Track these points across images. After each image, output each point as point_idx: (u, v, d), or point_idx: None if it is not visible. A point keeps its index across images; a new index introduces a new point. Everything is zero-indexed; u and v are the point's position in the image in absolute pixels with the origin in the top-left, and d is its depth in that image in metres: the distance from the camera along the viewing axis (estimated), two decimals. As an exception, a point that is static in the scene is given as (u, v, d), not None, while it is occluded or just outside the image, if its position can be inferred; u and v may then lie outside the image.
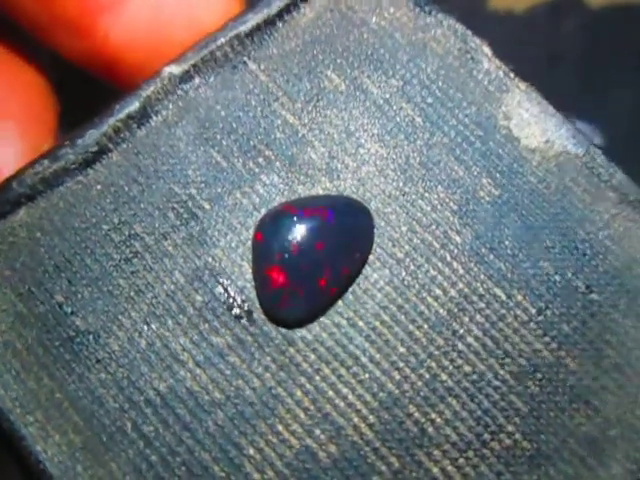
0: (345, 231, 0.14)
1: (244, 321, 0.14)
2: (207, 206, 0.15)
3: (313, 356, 0.14)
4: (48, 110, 0.18)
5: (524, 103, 0.16)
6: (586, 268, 0.14)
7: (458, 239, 0.15)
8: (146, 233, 0.15)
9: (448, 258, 0.15)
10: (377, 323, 0.14)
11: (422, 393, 0.14)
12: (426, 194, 0.15)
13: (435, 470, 0.13)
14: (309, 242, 0.14)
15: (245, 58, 0.16)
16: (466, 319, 0.14)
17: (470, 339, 0.14)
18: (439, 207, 0.15)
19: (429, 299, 0.14)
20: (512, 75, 0.16)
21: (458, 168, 0.15)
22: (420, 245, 0.15)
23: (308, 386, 0.14)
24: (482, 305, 0.14)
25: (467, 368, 0.14)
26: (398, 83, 0.16)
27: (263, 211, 0.15)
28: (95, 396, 0.13)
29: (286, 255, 0.14)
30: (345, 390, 0.14)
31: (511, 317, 0.14)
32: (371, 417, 0.13)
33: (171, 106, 0.15)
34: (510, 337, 0.14)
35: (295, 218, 0.14)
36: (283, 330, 0.14)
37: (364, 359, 0.14)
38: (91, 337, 0.14)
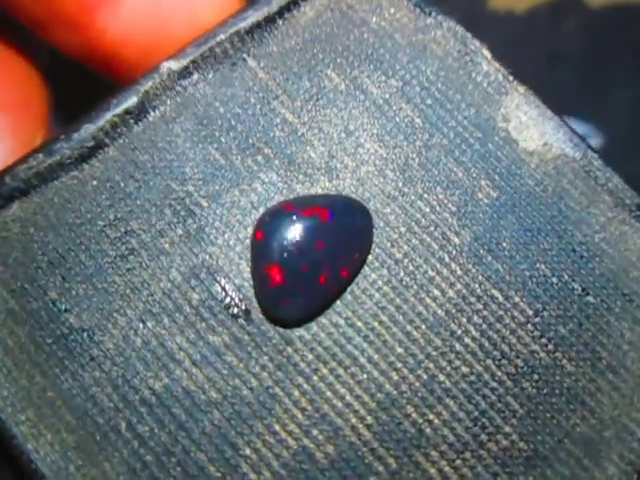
0: (344, 231, 0.14)
1: (241, 320, 0.14)
2: (205, 203, 0.15)
3: (311, 356, 0.14)
4: (40, 104, 0.18)
5: (523, 106, 0.16)
6: (582, 270, 0.15)
7: (456, 240, 0.15)
8: (142, 230, 0.14)
9: (446, 259, 0.15)
10: (375, 323, 0.14)
11: (420, 394, 0.14)
12: (425, 195, 0.15)
13: (432, 471, 0.13)
14: (308, 241, 0.14)
15: (245, 55, 0.16)
16: (464, 320, 0.14)
17: (468, 340, 0.14)
18: (438, 208, 0.15)
19: (427, 300, 0.14)
20: (511, 78, 0.16)
21: (457, 169, 0.15)
22: (419, 246, 0.15)
23: (306, 386, 0.14)
24: (480, 306, 0.14)
25: (465, 369, 0.14)
26: (398, 84, 0.16)
27: (261, 209, 0.15)
28: (89, 395, 0.13)
29: (285, 254, 0.14)
30: (343, 390, 0.14)
31: (508, 318, 0.14)
32: (369, 417, 0.13)
33: (169, 102, 0.15)
34: (507, 338, 0.14)
35: (295, 217, 0.14)
36: (281, 329, 0.14)
37: (362, 359, 0.14)
38: (85, 335, 0.14)
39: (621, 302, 0.14)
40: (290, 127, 0.15)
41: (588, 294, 0.14)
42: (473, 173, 0.15)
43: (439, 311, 0.14)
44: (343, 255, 0.14)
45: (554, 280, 0.14)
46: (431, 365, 0.14)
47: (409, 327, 0.14)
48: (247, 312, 0.14)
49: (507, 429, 0.13)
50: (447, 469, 0.13)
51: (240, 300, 0.14)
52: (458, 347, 0.14)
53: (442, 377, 0.14)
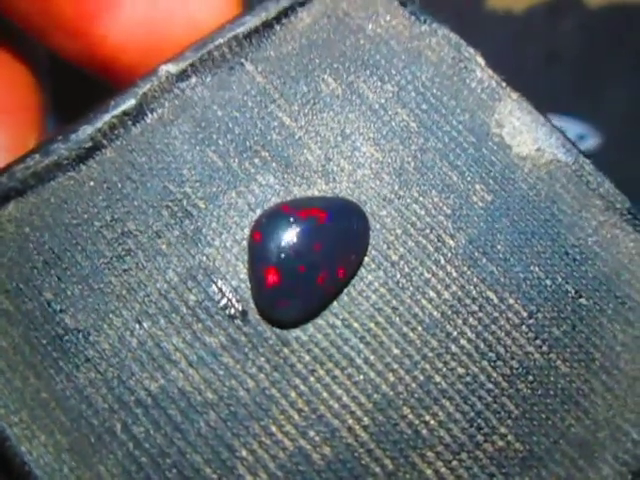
0: (341, 232, 0.14)
1: (238, 321, 0.14)
2: (202, 205, 0.15)
3: (307, 357, 0.14)
4: (34, 106, 0.18)
5: (516, 112, 0.16)
6: (576, 273, 0.15)
7: (452, 243, 0.15)
8: (139, 231, 0.14)
9: (442, 261, 0.15)
10: (372, 325, 0.14)
11: (416, 395, 0.14)
12: (420, 198, 0.15)
13: (429, 472, 0.13)
14: (305, 243, 0.14)
15: (242, 59, 0.16)
16: (459, 321, 0.14)
17: (463, 341, 0.14)
18: (433, 211, 0.15)
19: (423, 301, 0.14)
20: (504, 85, 0.16)
21: (452, 173, 0.15)
22: (414, 248, 0.15)
23: (302, 387, 0.14)
24: (475, 308, 0.14)
25: (460, 370, 0.14)
26: (393, 89, 0.16)
27: (258, 211, 0.15)
28: (83, 396, 0.13)
29: (282, 255, 0.14)
30: (339, 391, 0.14)
31: (503, 320, 0.14)
32: (365, 419, 0.13)
33: (167, 104, 0.15)
34: (502, 340, 0.14)
35: (292, 219, 0.14)
36: (277, 330, 0.14)
37: (359, 360, 0.14)
38: (80, 335, 0.14)
39: (613, 304, 0.15)
40: (287, 130, 0.16)
41: (581, 296, 0.15)
42: (468, 177, 0.15)
43: (435, 313, 0.14)
44: (340, 256, 0.14)
45: (548, 282, 0.15)
46: (427, 366, 0.14)
47: (405, 328, 0.14)
48: (244, 313, 0.14)
49: (503, 430, 0.13)
50: (443, 470, 0.13)
51: (237, 301, 0.14)
52: (454, 348, 0.14)
53: (438, 378, 0.14)
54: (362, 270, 0.15)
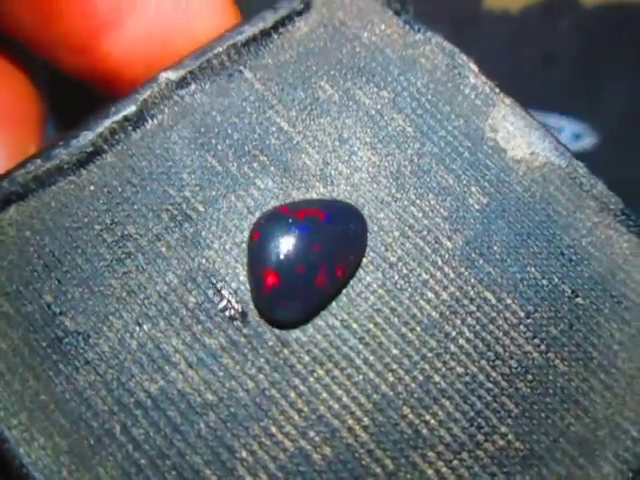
0: (339, 233, 0.14)
1: (238, 322, 0.14)
2: (201, 208, 0.15)
3: (307, 357, 0.14)
4: (34, 115, 0.18)
5: (509, 117, 0.16)
6: (572, 273, 0.15)
7: (449, 244, 0.15)
8: (139, 234, 0.15)
9: (439, 262, 0.15)
10: (371, 325, 0.14)
11: (416, 395, 0.14)
12: (417, 201, 0.15)
13: (430, 472, 0.13)
14: (304, 244, 0.14)
15: (241, 67, 0.16)
16: (458, 322, 0.14)
17: (462, 341, 0.14)
18: (430, 213, 0.15)
19: (421, 302, 0.14)
20: (497, 90, 0.16)
21: (448, 177, 0.16)
22: (412, 250, 0.15)
23: (302, 388, 0.14)
24: (473, 308, 0.14)
25: (459, 370, 0.14)
26: (389, 95, 0.16)
27: (257, 214, 0.15)
28: (83, 398, 0.13)
29: (281, 257, 0.14)
30: (339, 392, 0.14)
31: (501, 320, 0.14)
32: (365, 419, 0.13)
33: (167, 110, 0.16)
34: (501, 339, 0.14)
35: (291, 220, 0.14)
36: (277, 331, 0.14)
37: (358, 361, 0.14)
38: (80, 338, 0.14)
39: (610, 304, 0.15)
40: (285, 135, 0.16)
41: (578, 296, 0.15)
42: (463, 180, 0.16)
43: (433, 313, 0.14)
44: (338, 257, 0.14)
45: (544, 282, 0.15)
46: (426, 366, 0.14)
47: (404, 329, 0.14)
48: (243, 314, 0.14)
49: (503, 429, 0.13)
50: (444, 470, 0.13)
51: (236, 303, 0.14)
52: (453, 348, 0.14)
53: (437, 378, 0.14)
54: (361, 271, 0.15)
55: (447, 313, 0.14)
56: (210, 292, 0.14)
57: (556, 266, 0.15)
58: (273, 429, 0.13)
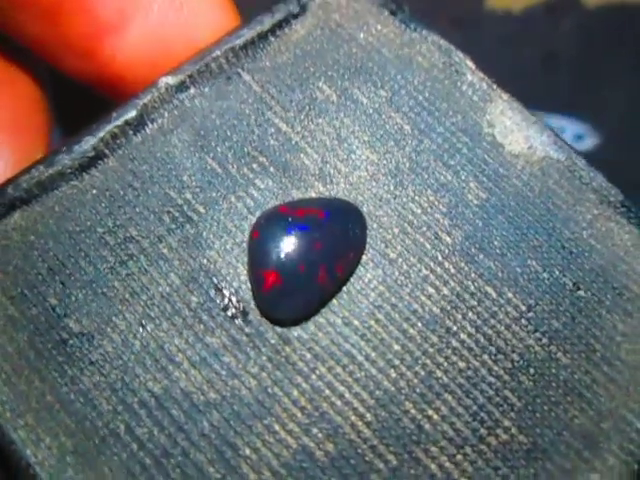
0: (339, 231, 0.14)
1: (239, 321, 0.14)
2: (202, 210, 0.15)
3: (309, 355, 0.14)
4: (41, 121, 0.18)
5: (507, 112, 0.16)
6: (572, 266, 0.15)
7: (448, 240, 0.15)
8: (141, 236, 0.15)
9: (439, 258, 0.15)
10: (372, 322, 0.14)
11: (418, 390, 0.14)
12: (416, 197, 0.16)
13: (433, 467, 0.13)
14: (304, 243, 0.14)
15: (239, 70, 0.17)
16: (459, 316, 0.14)
17: (463, 336, 0.14)
18: (429, 210, 0.15)
19: (422, 298, 0.14)
20: (494, 86, 0.17)
21: (446, 173, 0.16)
22: (412, 246, 0.15)
23: (304, 385, 0.14)
24: (474, 303, 0.14)
25: (461, 364, 0.14)
26: (387, 94, 0.17)
27: (258, 214, 0.15)
28: (88, 398, 0.13)
29: (281, 255, 0.14)
30: (341, 388, 0.14)
31: (502, 314, 0.14)
32: (368, 415, 0.13)
33: (167, 114, 0.16)
34: (502, 333, 0.14)
35: (290, 219, 0.14)
36: (279, 329, 0.14)
37: (360, 357, 0.14)
38: (85, 339, 0.14)
39: (611, 295, 0.15)
40: (284, 136, 0.16)
41: (579, 288, 0.15)
42: (462, 176, 0.16)
43: (434, 308, 0.14)
44: (338, 255, 0.14)
45: (545, 276, 0.15)
46: (428, 361, 0.14)
47: (405, 325, 0.14)
48: (245, 313, 0.14)
49: (506, 423, 0.13)
50: (448, 464, 0.13)
51: (238, 302, 0.14)
52: (454, 343, 0.14)
53: (439, 373, 0.14)
54: (361, 269, 0.15)
55: (448, 308, 0.14)
56: (212, 292, 0.14)
57: (557, 259, 0.15)
58: (276, 427, 0.13)
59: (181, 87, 0.16)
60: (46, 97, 0.18)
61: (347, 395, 0.14)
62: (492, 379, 0.14)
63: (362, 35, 0.17)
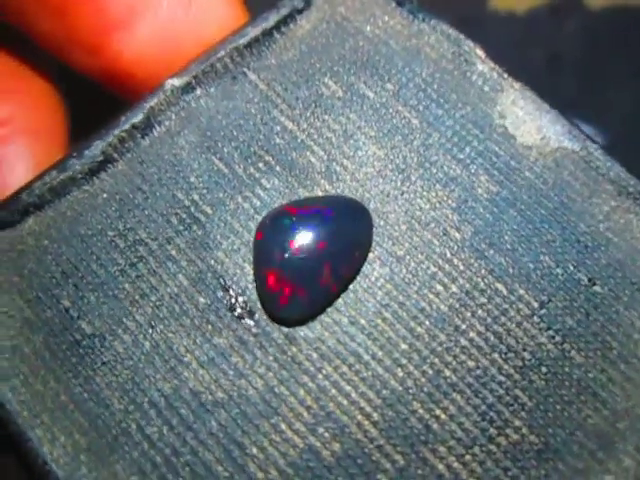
0: (344, 230, 0.14)
1: (246, 321, 0.14)
2: (209, 211, 0.15)
3: (315, 355, 0.14)
4: (58, 124, 0.18)
5: (519, 101, 0.16)
6: (588, 261, 0.14)
7: (458, 236, 0.15)
8: (150, 238, 0.15)
9: (448, 254, 0.15)
10: (379, 321, 0.14)
11: (426, 389, 0.14)
12: (424, 193, 0.15)
13: (440, 467, 0.13)
14: (308, 242, 0.14)
15: (244, 69, 0.16)
16: (468, 314, 0.14)
17: (473, 334, 0.14)
18: (438, 205, 0.15)
19: (430, 296, 0.14)
20: (506, 75, 0.16)
21: (455, 167, 0.15)
22: (420, 243, 0.15)
23: (311, 385, 0.14)
24: (484, 300, 0.14)
25: (470, 363, 0.14)
26: (394, 87, 0.16)
27: (264, 214, 0.15)
28: (100, 398, 0.14)
29: (286, 255, 0.14)
30: (348, 388, 0.14)
31: (513, 311, 0.14)
32: (375, 414, 0.13)
33: (174, 116, 0.16)
34: (513, 331, 0.14)
35: (295, 218, 0.14)
36: (285, 329, 0.14)
37: (366, 357, 0.14)
38: (97, 340, 0.14)
39: (630, 291, 0.14)
40: (290, 134, 0.16)
41: (595, 284, 0.14)
42: (472, 169, 0.15)
43: (442, 306, 0.14)
44: (344, 254, 0.14)
45: (559, 271, 0.14)
46: (436, 360, 0.14)
47: (413, 323, 0.14)
48: (251, 313, 0.14)
49: (517, 423, 0.13)
50: (456, 465, 0.13)
51: (244, 302, 0.14)
52: (463, 342, 0.14)
53: (448, 372, 0.14)
54: (368, 267, 0.15)
55: (457, 306, 0.14)
56: (219, 292, 0.14)
57: (571, 254, 0.14)
58: (283, 426, 0.13)
59: (187, 88, 0.16)
60: (61, 100, 0.19)
61: (353, 394, 0.14)
62: (502, 378, 0.14)
63: (369, 28, 0.17)
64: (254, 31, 0.17)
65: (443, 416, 0.13)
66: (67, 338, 0.14)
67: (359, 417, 0.13)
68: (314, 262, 0.14)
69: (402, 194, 0.15)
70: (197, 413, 0.13)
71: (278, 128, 0.16)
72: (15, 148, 0.17)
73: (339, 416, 0.13)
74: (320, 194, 0.15)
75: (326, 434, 0.13)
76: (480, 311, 0.14)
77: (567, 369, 0.13)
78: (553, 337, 0.14)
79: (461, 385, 0.13)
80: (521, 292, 0.14)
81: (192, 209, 0.15)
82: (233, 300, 0.14)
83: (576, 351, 0.14)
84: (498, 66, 0.16)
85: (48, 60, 0.18)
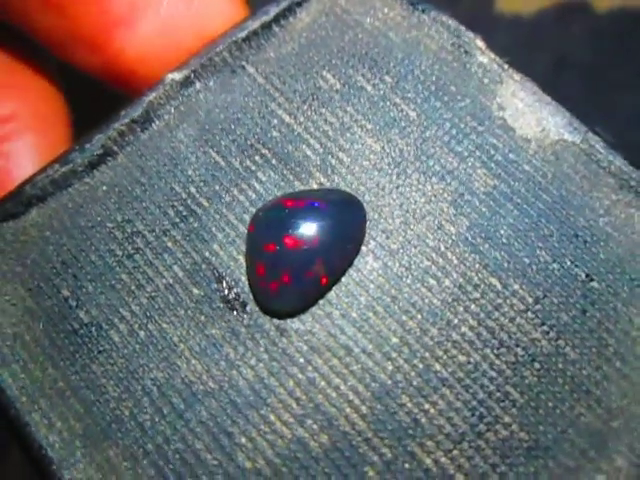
0: (337, 223, 0.14)
1: (238, 312, 0.14)
2: (206, 203, 0.15)
3: (305, 347, 0.14)
4: (61, 119, 0.19)
5: (519, 93, 0.16)
6: (586, 256, 0.14)
7: (452, 229, 0.15)
8: (147, 230, 0.15)
9: (442, 248, 0.14)
10: (370, 314, 0.14)
11: (415, 383, 0.13)
12: (420, 186, 0.15)
13: (428, 461, 0.13)
14: (300, 234, 0.14)
15: (243, 62, 0.17)
16: (460, 309, 0.14)
17: (465, 329, 0.14)
18: (433, 199, 0.15)
19: (423, 289, 0.14)
20: (506, 66, 0.16)
21: (453, 160, 0.15)
22: (414, 236, 0.15)
23: (300, 376, 0.14)
24: (477, 295, 0.14)
25: (462, 358, 0.14)
26: (392, 80, 0.16)
27: (259, 206, 0.15)
28: (96, 385, 0.14)
29: (278, 247, 0.14)
30: (337, 380, 0.14)
31: (507, 306, 0.14)
32: (363, 407, 0.13)
33: (173, 110, 0.16)
34: (506, 326, 0.14)
35: (287, 211, 0.14)
36: (276, 321, 0.14)
37: (356, 350, 0.14)
38: (94, 329, 0.14)
39: (628, 287, 0.14)
40: (287, 128, 0.16)
41: (592, 280, 0.14)
42: (469, 163, 0.15)
43: (435, 300, 0.14)
44: (336, 247, 0.14)
45: (555, 266, 0.14)
46: (427, 354, 0.14)
47: (404, 317, 0.14)
48: (244, 305, 0.14)
49: (507, 419, 0.13)
50: (443, 459, 0.13)
51: (237, 293, 0.14)
52: (455, 336, 0.14)
53: (438, 366, 0.14)
54: (360, 260, 0.15)
55: (449, 300, 0.14)
56: (213, 284, 0.15)
57: (569, 249, 0.14)
58: (271, 417, 0.13)
59: (186, 82, 0.16)
60: (63, 94, 0.19)
61: (342, 387, 0.14)
62: (493, 374, 0.13)
63: (368, 20, 0.17)
64: (253, 24, 0.17)
65: (432, 410, 0.13)
66: (66, 327, 0.15)
67: (348, 410, 0.13)
68: (306, 254, 0.14)
69: (397, 187, 0.15)
70: (188, 402, 0.14)
71: (275, 121, 0.16)
72: (21, 144, 0.18)
73: (328, 408, 0.13)
74: (315, 187, 0.15)
75: (314, 426, 0.13)
76: (473, 306, 0.14)
77: (561, 365, 0.13)
78: (547, 333, 0.14)
79: (451, 380, 0.13)
80: (515, 287, 0.14)
81: (189, 201, 0.15)
82: (226, 291, 0.15)
83: (571, 347, 0.13)
84: (498, 57, 0.16)
85: (49, 57, 0.18)
